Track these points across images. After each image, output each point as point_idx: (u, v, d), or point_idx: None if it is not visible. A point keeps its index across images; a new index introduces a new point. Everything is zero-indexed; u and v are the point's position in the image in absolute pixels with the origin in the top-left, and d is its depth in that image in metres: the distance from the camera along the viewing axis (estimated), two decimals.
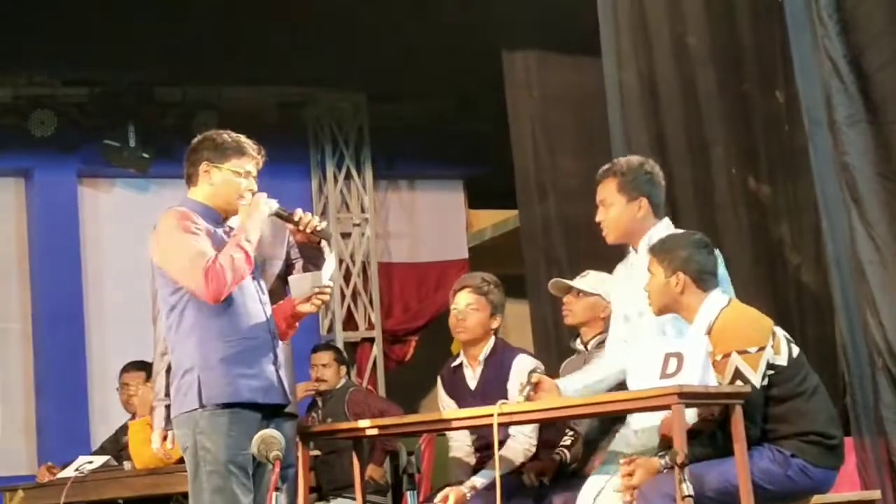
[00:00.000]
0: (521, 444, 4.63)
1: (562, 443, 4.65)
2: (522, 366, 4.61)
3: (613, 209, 4.19)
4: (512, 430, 4.62)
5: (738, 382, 3.73)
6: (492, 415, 3.95)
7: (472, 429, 4.57)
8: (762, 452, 3.76)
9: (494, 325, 4.76)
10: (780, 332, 3.90)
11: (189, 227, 3.81)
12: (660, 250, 3.96)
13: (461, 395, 4.68)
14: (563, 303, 4.81)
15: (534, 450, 4.64)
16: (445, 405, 4.78)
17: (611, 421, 4.39)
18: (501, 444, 4.59)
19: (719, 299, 3.92)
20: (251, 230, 3.85)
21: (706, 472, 3.70)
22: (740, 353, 3.74)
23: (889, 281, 4.76)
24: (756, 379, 3.73)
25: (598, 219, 4.26)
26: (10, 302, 7.97)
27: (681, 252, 3.93)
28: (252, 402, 3.80)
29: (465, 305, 4.72)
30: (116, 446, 6.22)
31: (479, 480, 4.55)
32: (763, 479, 3.72)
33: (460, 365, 4.81)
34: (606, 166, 4.35)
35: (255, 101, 8.27)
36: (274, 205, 4.02)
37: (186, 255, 3.77)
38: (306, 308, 3.93)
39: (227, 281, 3.75)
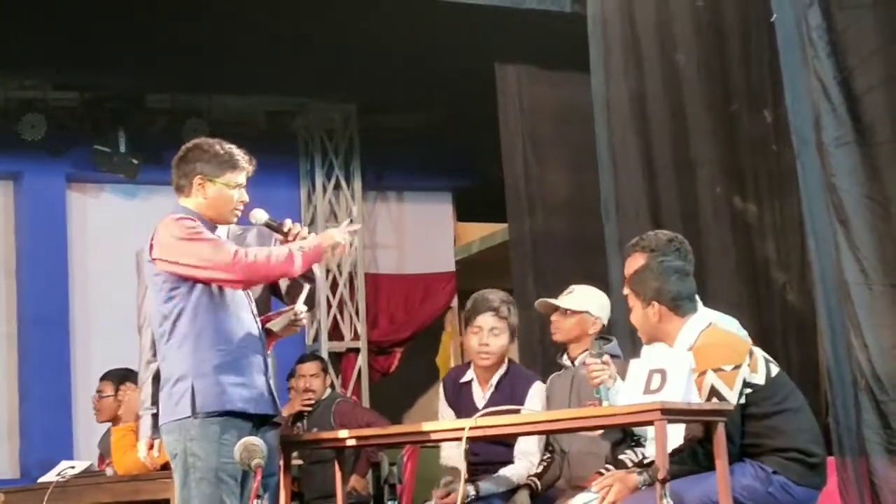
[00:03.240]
0: (525, 466, 4.58)
1: (533, 472, 4.60)
2: (538, 393, 4.59)
3: (635, 312, 4.05)
4: (517, 450, 4.59)
5: (714, 400, 3.75)
6: (463, 428, 3.94)
7: (453, 441, 4.55)
8: (744, 469, 3.77)
9: (511, 348, 4.74)
10: (759, 352, 3.91)
11: (201, 228, 3.83)
12: (635, 283, 3.99)
13: (466, 411, 4.57)
14: (550, 321, 4.75)
15: (539, 469, 4.60)
16: (444, 415, 4.74)
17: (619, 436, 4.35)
18: (501, 465, 4.59)
19: (698, 322, 3.94)
20: (311, 245, 3.87)
21: (688, 488, 3.71)
22: (716, 370, 3.76)
23: (874, 303, 4.78)
24: (731, 396, 3.75)
25: (625, 292, 4.13)
26: None
27: (652, 283, 3.95)
28: (243, 411, 3.81)
29: (490, 330, 4.63)
30: (105, 448, 6.23)
31: (482, 486, 4.52)
32: (744, 495, 3.73)
33: (469, 381, 4.75)
34: (635, 240, 4.30)
35: (246, 110, 8.29)
36: (264, 215, 4.03)
37: (208, 245, 3.78)
38: (281, 333, 3.98)
39: (256, 263, 3.77)
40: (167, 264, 3.83)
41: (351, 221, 4.03)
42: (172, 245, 3.81)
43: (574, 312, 4.66)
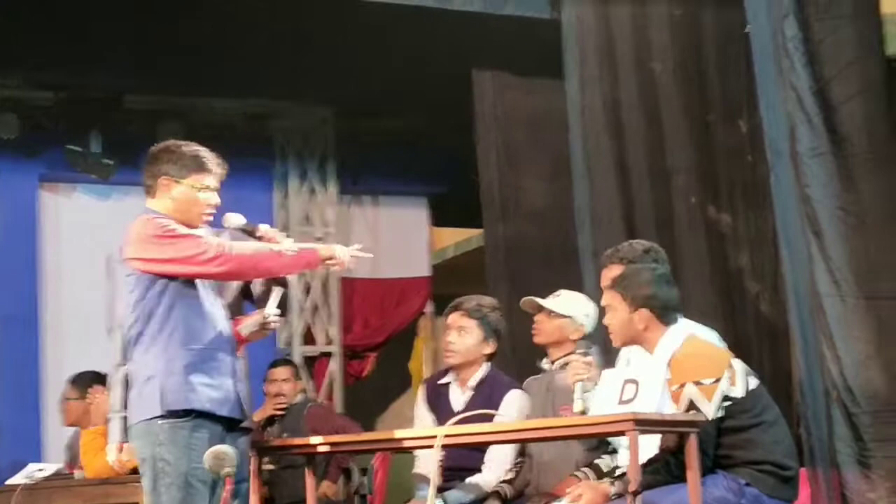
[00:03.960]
0: (494, 474, 4.57)
1: (503, 479, 4.59)
2: (514, 401, 4.58)
3: (617, 315, 4.05)
4: (488, 457, 4.58)
5: (692, 412, 3.75)
6: (436, 436, 3.94)
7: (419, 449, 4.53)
8: (716, 480, 3.78)
9: (487, 350, 4.68)
10: (739, 365, 3.92)
11: (175, 225, 3.80)
12: (624, 286, 3.98)
13: (443, 414, 4.56)
14: (533, 321, 4.74)
15: (511, 476, 4.59)
16: (422, 418, 4.72)
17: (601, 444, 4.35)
18: (475, 470, 4.57)
19: (679, 332, 3.94)
20: (304, 248, 3.85)
21: (660, 499, 3.71)
22: (695, 383, 3.76)
23: (846, 314, 4.79)
24: (709, 410, 3.75)
25: (603, 303, 4.14)
26: None
27: (645, 289, 3.95)
28: (211, 412, 3.78)
29: (457, 328, 4.65)
30: (73, 452, 6.18)
31: (450, 497, 4.51)
32: None
33: (447, 384, 4.75)
34: (611, 251, 4.30)
35: (222, 112, 8.25)
36: (240, 219, 4.02)
37: (187, 240, 3.77)
38: (251, 337, 3.96)
39: (242, 255, 3.76)
40: (143, 262, 3.80)
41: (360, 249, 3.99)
42: (148, 243, 3.78)
43: (558, 316, 4.66)
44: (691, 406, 3.74)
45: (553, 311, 4.67)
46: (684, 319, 4.06)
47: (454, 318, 4.67)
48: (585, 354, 4.23)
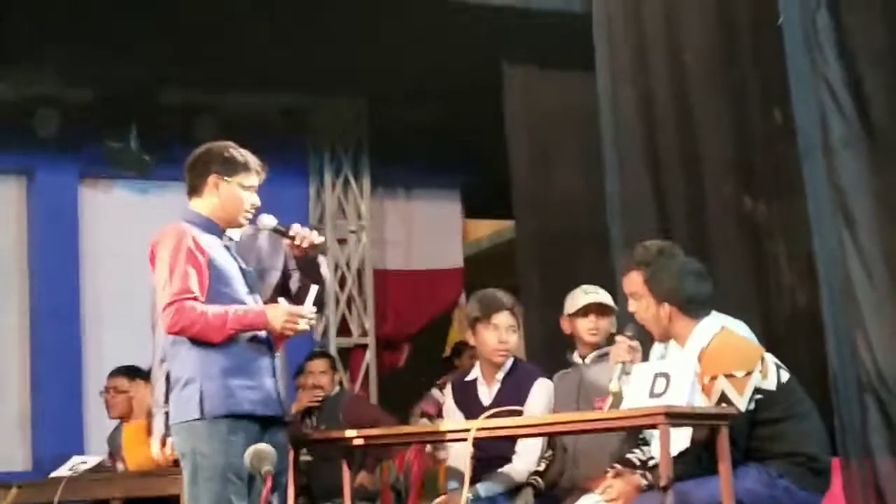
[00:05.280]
0: (525, 463, 4.63)
1: (536, 468, 4.63)
2: (542, 389, 4.65)
3: (644, 301, 4.10)
4: (519, 447, 4.64)
5: (724, 405, 3.78)
6: (469, 430, 3.98)
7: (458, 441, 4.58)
8: (748, 472, 3.80)
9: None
10: (770, 358, 3.94)
11: (192, 255, 3.86)
12: (649, 279, 4.02)
13: (473, 409, 4.62)
14: (591, 321, 4.69)
15: (542, 468, 4.64)
16: (451, 414, 4.78)
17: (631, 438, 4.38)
18: (507, 459, 4.63)
19: (711, 326, 3.96)
20: (252, 322, 3.85)
21: (692, 491, 3.74)
22: (727, 376, 3.79)
23: (879, 304, 4.80)
24: (741, 403, 3.78)
25: (630, 309, 4.21)
26: (9, 299, 7.99)
27: (666, 283, 3.98)
28: (251, 413, 3.86)
29: (507, 327, 4.71)
30: (115, 444, 6.28)
31: (481, 488, 4.57)
32: (747, 498, 3.75)
33: (474, 380, 4.81)
34: (626, 257, 4.34)
35: (257, 107, 8.30)
36: (272, 220, 4.08)
37: (178, 276, 3.83)
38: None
39: (190, 325, 3.80)
40: (151, 262, 3.93)
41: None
42: (160, 256, 3.89)
43: (611, 311, 4.71)
44: (723, 399, 3.77)
45: (609, 307, 4.69)
46: (717, 314, 4.08)
47: (505, 318, 4.72)
48: (632, 338, 4.26)
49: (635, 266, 4.25)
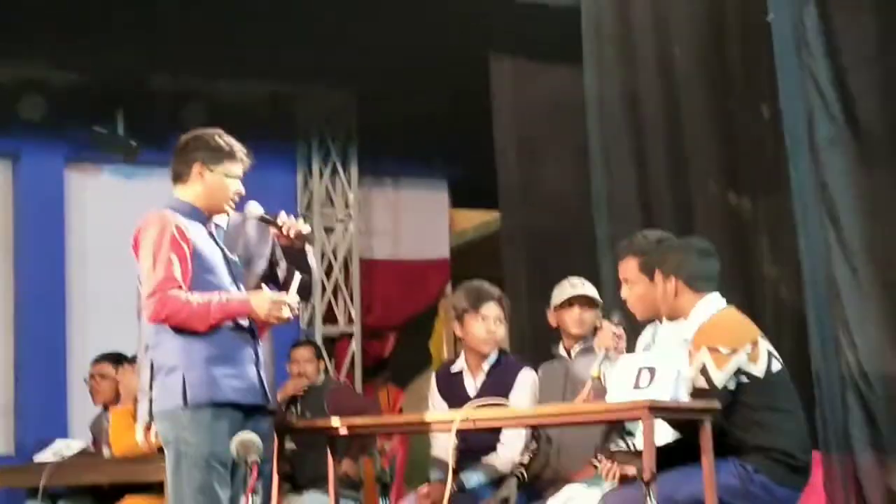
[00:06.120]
0: (509, 453, 4.66)
1: (518, 460, 4.67)
2: (526, 380, 4.68)
3: (637, 288, 4.20)
4: (503, 437, 4.66)
5: (701, 378, 3.81)
6: (453, 420, 4.02)
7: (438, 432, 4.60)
8: (726, 466, 3.82)
9: None
10: (765, 345, 3.96)
11: (176, 242, 3.85)
12: (656, 258, 4.06)
13: (458, 400, 4.62)
14: (577, 313, 4.75)
15: (526, 459, 4.68)
16: (437, 406, 4.81)
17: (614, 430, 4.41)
18: (491, 449, 4.66)
19: (715, 301, 4.01)
20: (236, 310, 3.85)
21: (676, 487, 3.75)
22: (711, 349, 3.82)
23: (863, 301, 4.85)
24: (718, 378, 3.81)
25: (622, 295, 4.27)
26: None
27: (673, 257, 4.03)
28: (234, 402, 3.87)
29: (495, 319, 4.76)
30: (99, 429, 6.28)
31: (465, 478, 4.59)
32: (724, 492, 3.77)
33: (460, 371, 4.84)
34: (625, 243, 4.36)
35: (245, 94, 8.30)
36: (259, 209, 4.08)
37: (167, 268, 3.83)
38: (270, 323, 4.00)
39: (174, 314, 3.81)
40: (134, 250, 3.93)
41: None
42: (143, 244, 3.88)
43: (597, 304, 4.74)
44: (702, 370, 3.81)
45: (595, 300, 4.73)
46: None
47: (493, 310, 4.77)
48: (618, 325, 4.31)
49: (632, 254, 4.27)
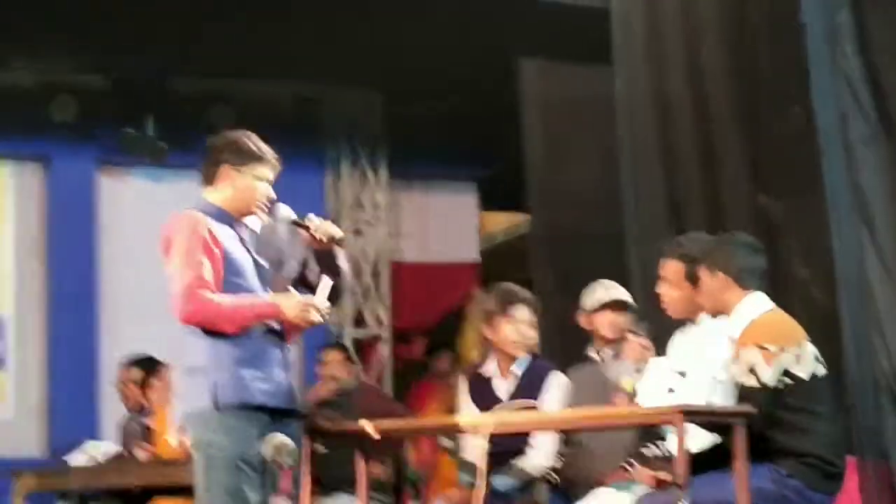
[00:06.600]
0: (540, 457, 4.64)
1: (549, 465, 4.65)
2: (558, 383, 4.67)
3: (676, 292, 4.17)
4: (534, 441, 4.65)
5: (749, 376, 3.77)
6: (485, 424, 4.00)
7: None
8: (759, 471, 3.79)
9: None
10: (812, 349, 3.93)
11: (206, 244, 3.85)
12: (704, 255, 4.04)
13: (488, 403, 4.64)
14: (611, 317, 4.74)
15: (557, 463, 4.66)
16: (466, 409, 4.80)
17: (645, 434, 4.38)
18: (521, 452, 4.65)
19: (763, 301, 3.99)
20: (265, 312, 3.85)
21: (705, 494, 3.72)
22: (760, 347, 3.80)
23: None
24: (767, 375, 3.77)
25: (659, 291, 4.25)
26: (26, 286, 8.03)
27: (720, 252, 4.01)
28: (262, 404, 3.87)
29: (529, 322, 4.76)
30: (128, 433, 6.29)
31: (496, 481, 4.58)
32: (758, 497, 3.75)
33: (489, 374, 4.82)
34: (673, 245, 4.35)
35: (273, 96, 8.32)
36: (290, 212, 4.07)
37: (195, 268, 3.81)
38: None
39: (203, 315, 3.79)
40: (164, 253, 3.91)
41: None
42: (174, 245, 3.87)
43: (628, 308, 4.74)
44: (750, 368, 3.78)
45: (628, 304, 4.72)
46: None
47: (526, 313, 4.76)
48: (644, 337, 4.29)
49: (679, 257, 4.24)
